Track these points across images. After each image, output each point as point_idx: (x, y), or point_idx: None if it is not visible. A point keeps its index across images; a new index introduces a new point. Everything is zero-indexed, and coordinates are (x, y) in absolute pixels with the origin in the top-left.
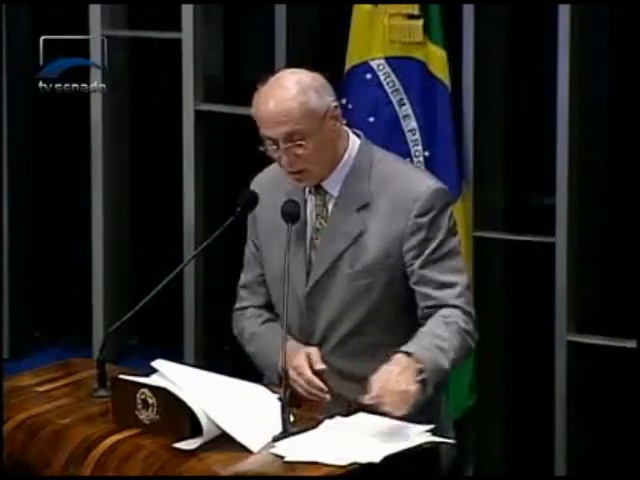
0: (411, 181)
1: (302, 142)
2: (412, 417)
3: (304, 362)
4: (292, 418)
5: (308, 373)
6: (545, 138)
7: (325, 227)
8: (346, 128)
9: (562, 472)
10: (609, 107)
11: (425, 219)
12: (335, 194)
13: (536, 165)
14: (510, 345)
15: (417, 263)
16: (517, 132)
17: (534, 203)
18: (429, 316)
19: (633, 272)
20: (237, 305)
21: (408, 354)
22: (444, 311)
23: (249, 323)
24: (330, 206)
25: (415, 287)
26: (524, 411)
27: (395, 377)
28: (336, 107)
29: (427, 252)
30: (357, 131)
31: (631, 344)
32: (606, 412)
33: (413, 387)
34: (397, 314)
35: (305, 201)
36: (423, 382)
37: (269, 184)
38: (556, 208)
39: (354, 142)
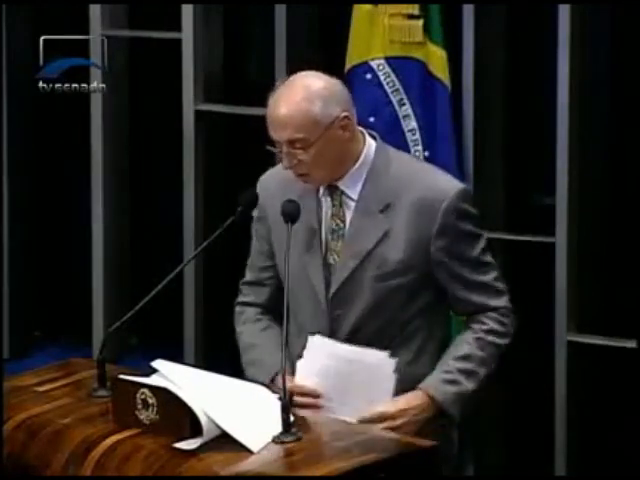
0: (435, 181)
1: (302, 149)
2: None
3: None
4: (292, 418)
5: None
6: (545, 138)
7: (345, 229)
8: (361, 129)
9: (562, 472)
10: (609, 107)
11: (453, 218)
12: (354, 196)
13: (536, 165)
14: (510, 345)
15: (452, 263)
16: (517, 132)
17: (534, 203)
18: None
19: (633, 272)
20: (238, 299)
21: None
22: (481, 317)
23: (247, 328)
24: (348, 207)
25: (454, 291)
26: (524, 411)
27: (408, 415)
28: (345, 117)
29: (461, 252)
30: (373, 132)
31: (631, 344)
32: (606, 412)
33: (413, 429)
34: (419, 316)
35: (319, 202)
36: (447, 417)
37: (279, 183)
38: (556, 208)
39: (370, 144)
